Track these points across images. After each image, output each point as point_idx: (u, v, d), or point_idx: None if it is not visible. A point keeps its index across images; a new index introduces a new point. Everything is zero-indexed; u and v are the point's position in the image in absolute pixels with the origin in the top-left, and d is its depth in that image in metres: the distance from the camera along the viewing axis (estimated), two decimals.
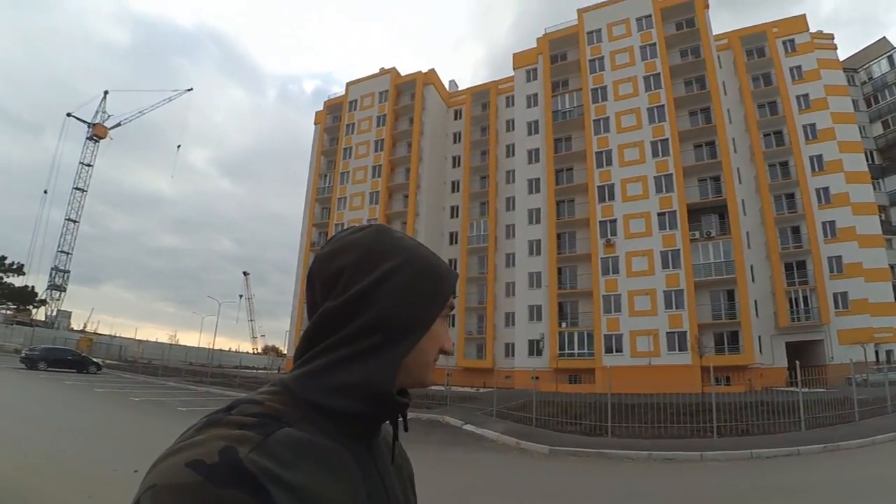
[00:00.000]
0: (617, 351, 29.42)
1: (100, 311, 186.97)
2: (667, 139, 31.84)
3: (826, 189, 31.23)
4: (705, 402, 13.22)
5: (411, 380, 0.67)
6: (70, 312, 65.59)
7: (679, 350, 27.74)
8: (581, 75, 36.46)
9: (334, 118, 47.43)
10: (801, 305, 29.13)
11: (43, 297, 34.92)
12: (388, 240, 0.67)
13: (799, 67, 34.25)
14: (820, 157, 31.96)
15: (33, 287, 31.99)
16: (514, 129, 40.26)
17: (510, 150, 40.68)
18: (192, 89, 64.87)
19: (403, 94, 44.97)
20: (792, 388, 20.41)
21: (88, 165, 58.67)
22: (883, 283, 29.78)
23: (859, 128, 34.75)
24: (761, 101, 34.57)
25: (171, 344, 43.25)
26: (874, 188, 33.62)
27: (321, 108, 49.12)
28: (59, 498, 5.20)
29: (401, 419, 0.70)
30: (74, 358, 27.03)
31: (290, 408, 0.57)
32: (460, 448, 11.55)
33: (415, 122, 42.64)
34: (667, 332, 28.42)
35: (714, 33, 35.79)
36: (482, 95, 44.59)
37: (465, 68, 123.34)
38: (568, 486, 8.10)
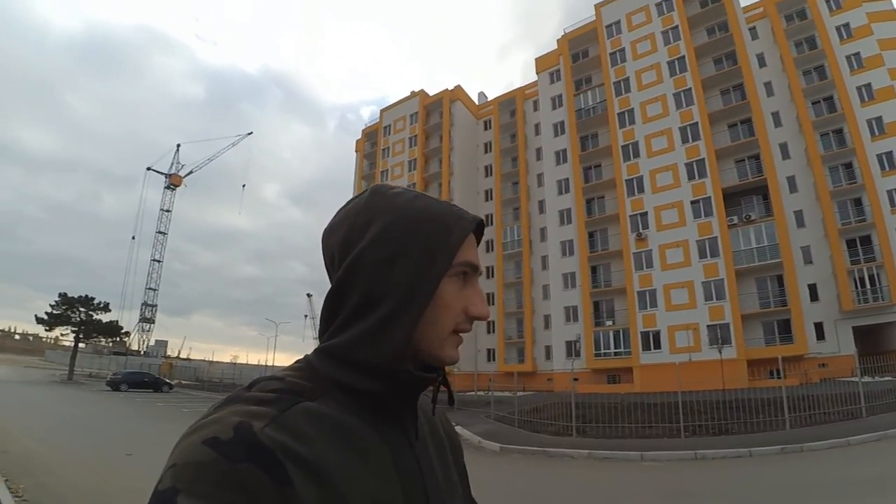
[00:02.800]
0: (655, 348, 27.94)
1: (192, 339, 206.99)
2: (696, 123, 30.17)
3: (889, 154, 27.67)
4: (684, 402, 12.52)
5: (426, 356, 0.59)
6: (166, 341, 74.13)
7: (722, 343, 25.78)
8: (602, 70, 35.69)
9: (371, 144, 50.11)
10: (868, 285, 25.85)
11: (128, 330, 40.27)
12: (378, 201, 0.61)
13: (847, 25, 30.95)
14: (879, 118, 28.45)
15: (117, 322, 36.80)
16: (541, 132, 40.12)
17: (539, 154, 40.50)
18: (251, 133, 71.69)
19: (433, 114, 46.54)
20: (853, 378, 18.60)
21: (168, 211, 66.61)
22: None
23: None
24: (806, 67, 31.61)
25: (233, 363, 47.57)
26: None
27: (360, 137, 52.16)
28: (73, 477, 7.04)
29: (444, 391, 0.66)
30: (150, 380, 30.82)
31: (314, 384, 0.56)
32: None
33: (444, 139, 43.93)
34: (707, 326, 26.56)
35: (745, 3, 33.64)
36: (509, 103, 44.94)
37: (515, 73, 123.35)
38: (484, 477, 8.30)
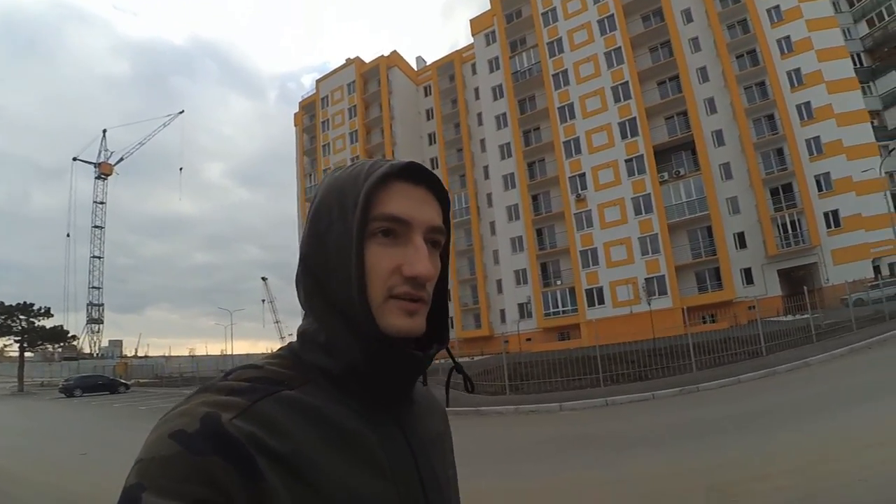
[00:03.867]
0: (599, 304, 29.31)
1: (148, 335, 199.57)
2: (626, 82, 30.70)
3: (808, 104, 29.20)
4: (608, 354, 13.37)
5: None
6: (121, 341, 71.05)
7: (659, 295, 27.33)
8: (535, 30, 35.39)
9: (310, 117, 48.23)
10: (790, 230, 27.81)
11: (75, 334, 38.29)
12: (322, 182, 0.59)
13: None
14: (798, 70, 29.85)
15: (62, 326, 34.83)
16: (480, 97, 39.73)
17: (481, 119, 40.27)
18: (183, 111, 67.01)
19: (370, 82, 45.09)
20: (781, 318, 20.20)
21: (102, 203, 62.42)
22: (877, 195, 27.89)
23: (843, 31, 32.06)
24: (730, 21, 32.43)
25: (191, 356, 46.57)
26: (864, 92, 31.17)
27: (297, 110, 49.99)
28: (34, 478, 7.42)
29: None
30: (105, 382, 29.74)
31: (296, 371, 0.53)
32: None
33: (383, 108, 42.83)
34: (645, 279, 28.02)
35: None
36: (447, 67, 44.07)
37: (460, 34, 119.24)
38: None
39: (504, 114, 36.76)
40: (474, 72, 41.79)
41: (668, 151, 29.41)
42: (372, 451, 0.51)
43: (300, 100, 50.05)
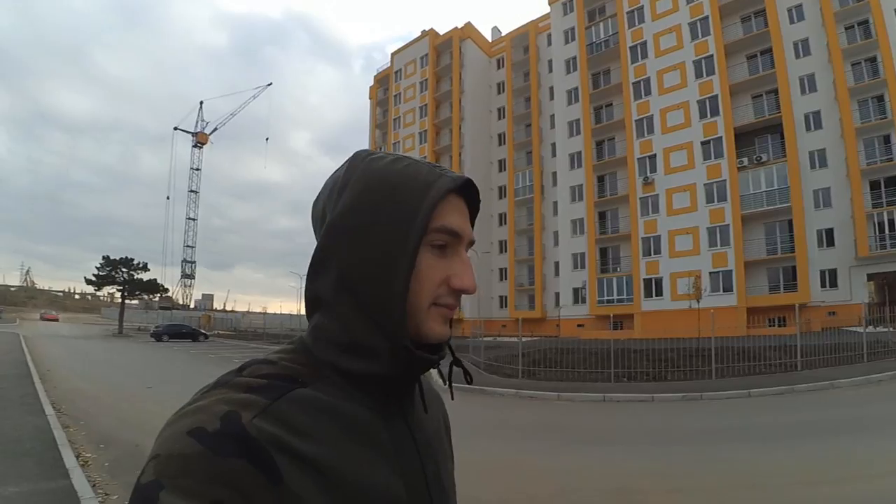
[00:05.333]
0: (657, 295, 28.00)
1: (235, 291, 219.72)
2: (711, 55, 28.01)
3: None
4: (626, 350, 13.15)
5: (412, 332, 0.53)
6: (212, 295, 79.95)
7: (724, 291, 25.52)
8: None
9: (384, 90, 49.31)
10: (888, 230, 24.33)
11: (167, 286, 44.04)
12: (356, 167, 0.55)
13: None
14: None
15: (156, 279, 40.17)
16: (553, 70, 38.24)
17: (552, 94, 38.89)
18: (271, 84, 72.02)
19: (443, 54, 44.95)
20: (856, 329, 18.38)
21: (197, 170, 69.12)
22: None
23: None
24: None
25: (263, 314, 51.28)
26: None
27: (372, 83, 51.32)
28: (105, 400, 9.48)
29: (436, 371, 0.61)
30: (188, 331, 33.97)
31: (309, 368, 0.52)
32: None
33: (454, 82, 42.70)
34: (710, 273, 26.21)
35: None
36: (522, 39, 42.69)
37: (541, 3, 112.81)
38: None
39: (576, 88, 35.21)
40: (549, 43, 40.14)
41: (751, 134, 26.70)
42: (383, 446, 0.52)
43: (376, 73, 51.27)
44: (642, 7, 31.52)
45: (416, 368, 0.55)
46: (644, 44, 31.19)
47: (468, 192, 0.58)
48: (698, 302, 20.29)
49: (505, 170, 41.69)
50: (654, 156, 29.63)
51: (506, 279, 39.49)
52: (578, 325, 30.92)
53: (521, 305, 38.10)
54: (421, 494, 0.54)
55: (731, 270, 25.47)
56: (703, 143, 27.80)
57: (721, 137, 27.02)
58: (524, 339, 27.71)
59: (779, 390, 10.06)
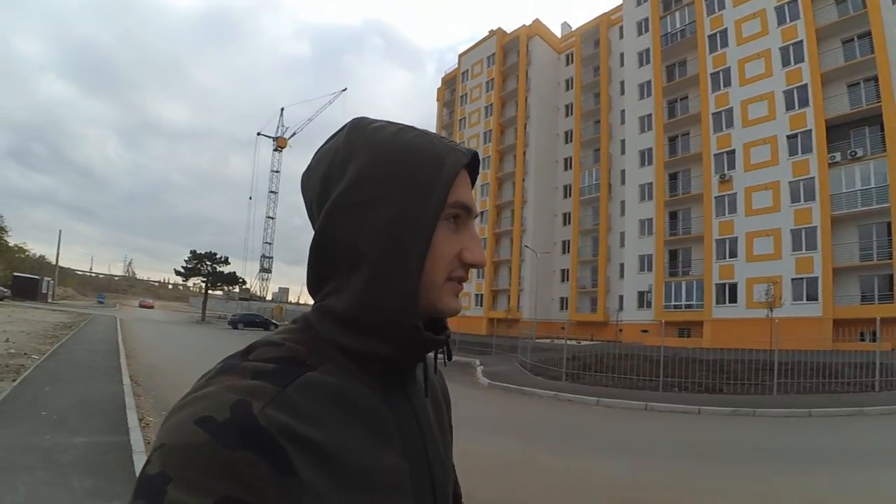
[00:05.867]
0: (730, 301, 26.04)
1: None
2: (800, 41, 25.47)
3: None
4: (655, 356, 12.56)
5: (424, 308, 0.52)
6: (288, 288, 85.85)
7: (807, 300, 23.20)
8: None
9: (451, 91, 50.02)
10: None
11: (244, 279, 48.13)
12: (357, 136, 0.53)
13: None
14: None
15: (235, 273, 44.18)
16: (625, 63, 36.72)
17: (623, 88, 37.38)
18: (345, 89, 74.81)
19: (510, 53, 44.71)
20: None
21: (277, 172, 73.95)
22: None
23: None
24: None
25: None
26: None
27: (440, 85, 52.25)
28: (174, 379, 10.32)
29: (441, 354, 0.59)
30: (260, 320, 36.88)
31: (315, 348, 0.50)
32: (445, 377, 14.22)
33: (520, 80, 42.37)
34: (792, 279, 23.92)
35: None
36: (593, 33, 41.37)
37: None
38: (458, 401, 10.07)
39: (648, 81, 33.57)
40: (621, 36, 38.58)
41: (846, 127, 23.93)
42: (389, 427, 0.51)
43: (443, 75, 52.17)
44: None
45: (424, 349, 0.54)
46: (724, 31, 29.04)
47: (471, 166, 0.57)
48: (771, 311, 18.69)
49: (570, 168, 40.71)
50: (733, 151, 27.54)
51: (567, 280, 38.61)
52: (643, 331, 29.50)
53: (582, 308, 37.08)
54: (423, 473, 0.54)
55: (816, 277, 23.08)
56: (789, 137, 25.40)
57: (810, 130, 24.52)
58: (581, 343, 27.20)
59: (845, 411, 9.18)
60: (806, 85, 24.94)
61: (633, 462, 6.09)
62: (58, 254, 63.43)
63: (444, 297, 0.53)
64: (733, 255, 26.50)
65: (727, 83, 28.45)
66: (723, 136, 28.17)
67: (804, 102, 24.95)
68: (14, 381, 8.18)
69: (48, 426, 5.67)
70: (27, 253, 60.99)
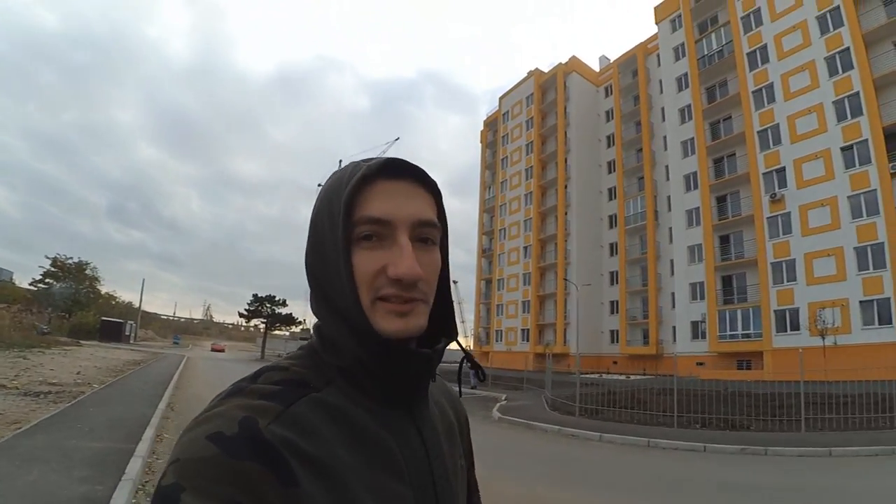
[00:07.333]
0: (792, 329, 23.98)
1: None
2: (847, 48, 24.22)
3: None
4: (685, 389, 11.85)
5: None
6: None
7: (879, 324, 20.97)
8: (728, 4, 30.72)
9: (493, 132, 51.47)
10: None
11: (300, 319, 50.85)
12: (326, 184, 0.57)
13: None
14: None
15: (291, 314, 46.99)
16: (664, 89, 36.35)
17: (664, 115, 36.84)
18: (398, 139, 79.24)
19: (548, 91, 45.61)
20: None
21: None
22: None
23: None
24: None
25: None
26: None
27: (482, 128, 53.93)
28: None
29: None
30: None
31: (318, 372, 0.54)
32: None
33: (559, 115, 42.93)
34: (861, 301, 21.76)
35: None
36: (630, 63, 41.46)
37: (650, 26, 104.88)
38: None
39: (688, 105, 32.93)
40: (659, 63, 38.40)
41: None
42: (392, 453, 0.52)
43: (484, 118, 53.89)
44: (759, 9, 28.73)
45: (407, 364, 0.53)
46: (763, 48, 28.22)
47: (409, 175, 0.54)
48: (823, 338, 17.20)
49: (615, 198, 40.03)
50: (783, 169, 26.10)
51: (617, 312, 37.19)
52: (698, 364, 27.67)
53: (633, 341, 35.37)
54: (428, 496, 0.54)
55: (888, 298, 20.85)
56: (843, 149, 23.78)
57: (867, 140, 22.85)
58: (630, 378, 25.79)
59: (872, 450, 8.26)
60: (858, 93, 23.48)
61: (583, 492, 6.05)
62: (141, 299, 70.81)
63: (376, 319, 0.51)
64: (791, 278, 24.61)
65: (771, 99, 27.36)
66: (770, 154, 26.85)
67: (857, 111, 23.42)
68: (70, 403, 9.53)
69: (78, 435, 6.70)
70: (117, 300, 68.09)
